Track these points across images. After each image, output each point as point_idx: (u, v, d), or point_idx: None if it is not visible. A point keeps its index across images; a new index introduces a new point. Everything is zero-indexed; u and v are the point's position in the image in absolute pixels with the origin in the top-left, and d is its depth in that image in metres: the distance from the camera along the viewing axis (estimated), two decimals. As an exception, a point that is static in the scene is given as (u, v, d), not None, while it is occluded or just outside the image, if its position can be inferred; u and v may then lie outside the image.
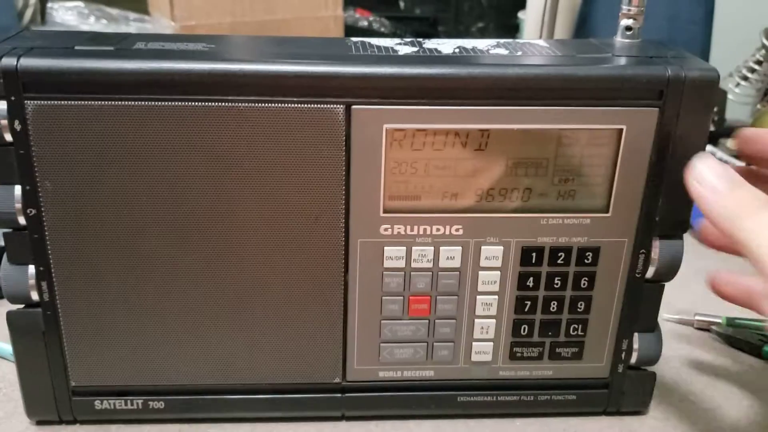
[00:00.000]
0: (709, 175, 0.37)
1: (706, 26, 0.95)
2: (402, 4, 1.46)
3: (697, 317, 0.58)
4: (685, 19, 0.95)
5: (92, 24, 1.29)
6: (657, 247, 0.43)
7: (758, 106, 1.00)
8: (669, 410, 0.49)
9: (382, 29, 1.34)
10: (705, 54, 0.96)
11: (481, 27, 1.46)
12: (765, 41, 0.92)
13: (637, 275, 0.44)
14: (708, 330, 0.58)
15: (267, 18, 1.04)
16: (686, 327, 0.58)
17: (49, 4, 1.31)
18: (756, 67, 0.96)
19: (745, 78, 0.97)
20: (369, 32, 1.32)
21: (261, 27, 1.04)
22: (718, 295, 0.45)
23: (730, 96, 0.96)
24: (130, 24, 1.28)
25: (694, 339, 0.57)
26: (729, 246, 0.43)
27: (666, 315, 0.58)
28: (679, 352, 0.55)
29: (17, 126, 0.38)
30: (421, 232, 0.42)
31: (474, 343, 0.45)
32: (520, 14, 1.15)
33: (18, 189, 0.39)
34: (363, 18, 1.33)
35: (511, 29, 1.38)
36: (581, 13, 1.01)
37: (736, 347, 0.56)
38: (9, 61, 0.37)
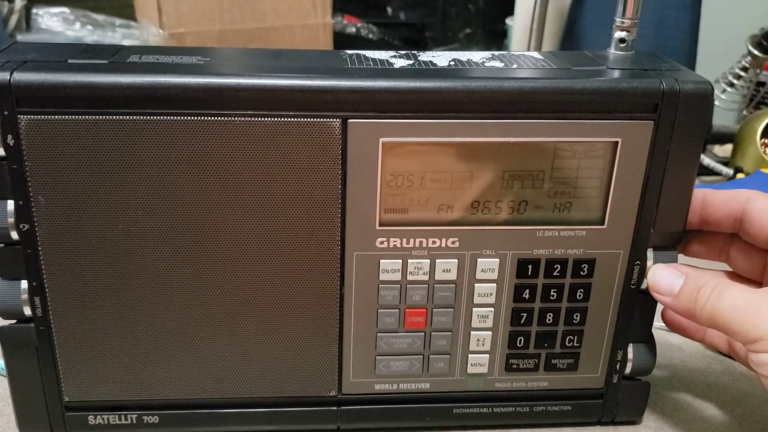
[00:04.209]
0: (661, 283, 0.42)
1: (693, 33, 0.96)
2: (389, 11, 1.46)
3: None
4: (671, 26, 0.95)
5: (78, 30, 1.28)
6: (651, 259, 0.43)
7: (744, 112, 1.01)
8: (663, 419, 0.49)
9: (370, 35, 1.34)
10: (691, 61, 0.97)
11: (468, 33, 1.46)
12: (750, 48, 0.93)
13: (632, 286, 0.44)
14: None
15: (256, 26, 1.03)
16: (678, 336, 0.58)
17: (34, 10, 1.30)
18: (742, 73, 0.96)
19: (731, 84, 0.97)
20: (357, 38, 1.32)
21: (250, 35, 1.03)
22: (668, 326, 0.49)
23: (716, 102, 0.96)
24: (117, 30, 1.28)
25: (686, 347, 0.57)
26: (688, 331, 0.50)
27: (658, 323, 0.58)
28: (672, 361, 0.55)
29: (10, 140, 0.38)
30: (417, 245, 0.42)
31: (470, 355, 0.45)
32: (508, 20, 1.16)
33: (11, 204, 0.39)
34: (351, 24, 1.33)
35: (499, 35, 1.38)
36: (569, 19, 1.01)
37: (727, 356, 0.56)
38: (2, 76, 0.37)
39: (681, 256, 0.45)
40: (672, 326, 0.49)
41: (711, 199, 0.44)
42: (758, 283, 0.45)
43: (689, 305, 0.40)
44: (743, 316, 0.38)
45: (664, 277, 0.42)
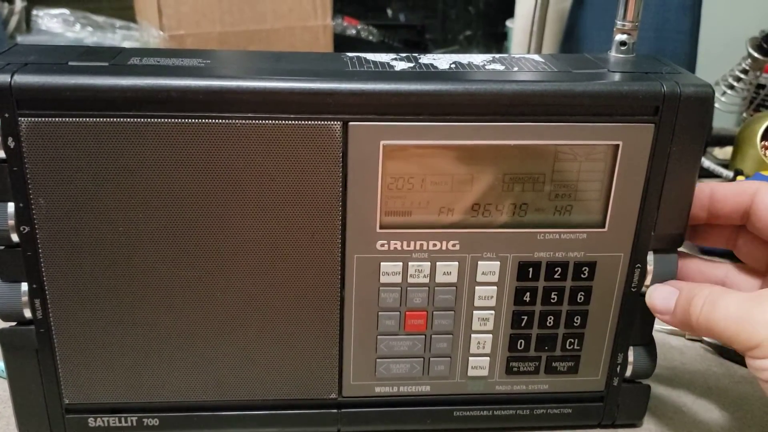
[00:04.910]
0: (658, 303, 0.43)
1: (693, 36, 0.96)
2: (389, 13, 1.46)
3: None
4: (671, 29, 0.95)
5: (78, 31, 1.28)
6: (652, 262, 0.43)
7: (744, 114, 1.01)
8: (663, 422, 0.49)
9: (370, 37, 1.34)
10: (692, 63, 0.97)
11: (468, 35, 1.46)
12: (750, 50, 0.93)
13: (632, 289, 0.44)
14: (700, 341, 0.58)
15: (256, 27, 1.03)
16: (678, 338, 0.59)
17: (34, 12, 1.30)
18: (742, 76, 0.96)
19: (731, 87, 0.97)
20: (357, 40, 1.32)
21: (250, 36, 1.03)
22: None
23: (716, 105, 0.96)
24: (117, 32, 1.28)
25: (686, 350, 0.57)
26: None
27: (658, 326, 0.58)
28: (672, 364, 0.55)
29: (11, 143, 0.38)
30: (418, 248, 0.42)
31: (470, 358, 0.45)
32: (508, 23, 1.16)
33: (11, 206, 0.39)
34: (351, 26, 1.33)
35: (499, 37, 1.38)
36: (569, 22, 1.01)
37: (727, 358, 0.56)
38: (3, 78, 0.37)
39: (688, 244, 0.44)
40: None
41: (720, 193, 0.44)
42: (764, 274, 0.45)
43: (684, 318, 0.41)
44: (737, 324, 0.38)
45: (661, 296, 0.42)
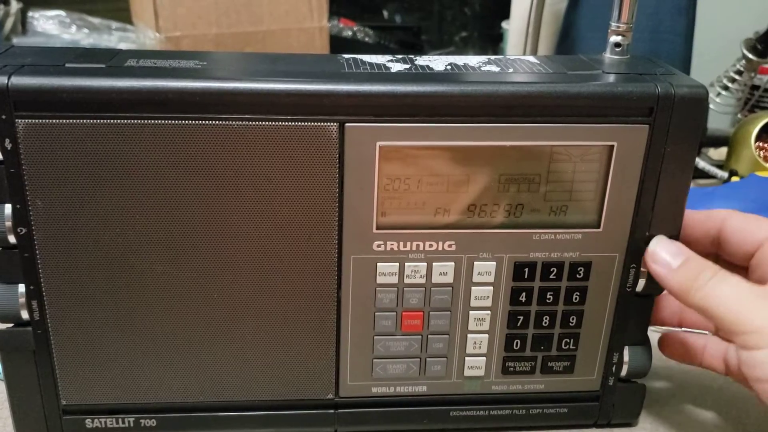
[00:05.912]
0: (662, 253, 0.42)
1: (688, 37, 0.96)
2: (386, 14, 1.46)
3: (684, 329, 0.58)
4: (666, 31, 0.95)
5: (74, 33, 1.28)
6: (647, 262, 0.43)
7: (739, 115, 1.02)
8: (659, 421, 0.49)
9: (367, 39, 1.34)
10: (686, 65, 0.97)
11: (464, 37, 1.46)
12: (745, 52, 0.94)
13: (627, 289, 0.44)
14: (695, 340, 0.58)
15: (252, 29, 1.03)
16: (674, 338, 0.59)
17: (30, 13, 1.30)
18: (736, 77, 0.97)
19: (726, 88, 0.98)
20: (353, 42, 1.32)
21: (246, 38, 1.03)
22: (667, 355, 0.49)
23: (711, 106, 0.97)
24: (113, 33, 1.27)
25: (681, 350, 0.58)
26: (686, 356, 0.49)
27: (653, 326, 0.59)
28: (667, 363, 0.55)
29: (8, 144, 0.38)
30: (414, 248, 0.42)
31: (467, 358, 0.45)
32: (504, 24, 1.16)
33: (8, 207, 0.39)
34: (347, 28, 1.33)
35: (495, 39, 1.39)
36: (565, 23, 1.01)
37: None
38: (0, 80, 0.37)
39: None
40: (671, 354, 0.49)
41: (689, 220, 0.44)
42: None
43: (687, 284, 0.40)
44: (738, 306, 0.38)
45: (666, 249, 0.42)
